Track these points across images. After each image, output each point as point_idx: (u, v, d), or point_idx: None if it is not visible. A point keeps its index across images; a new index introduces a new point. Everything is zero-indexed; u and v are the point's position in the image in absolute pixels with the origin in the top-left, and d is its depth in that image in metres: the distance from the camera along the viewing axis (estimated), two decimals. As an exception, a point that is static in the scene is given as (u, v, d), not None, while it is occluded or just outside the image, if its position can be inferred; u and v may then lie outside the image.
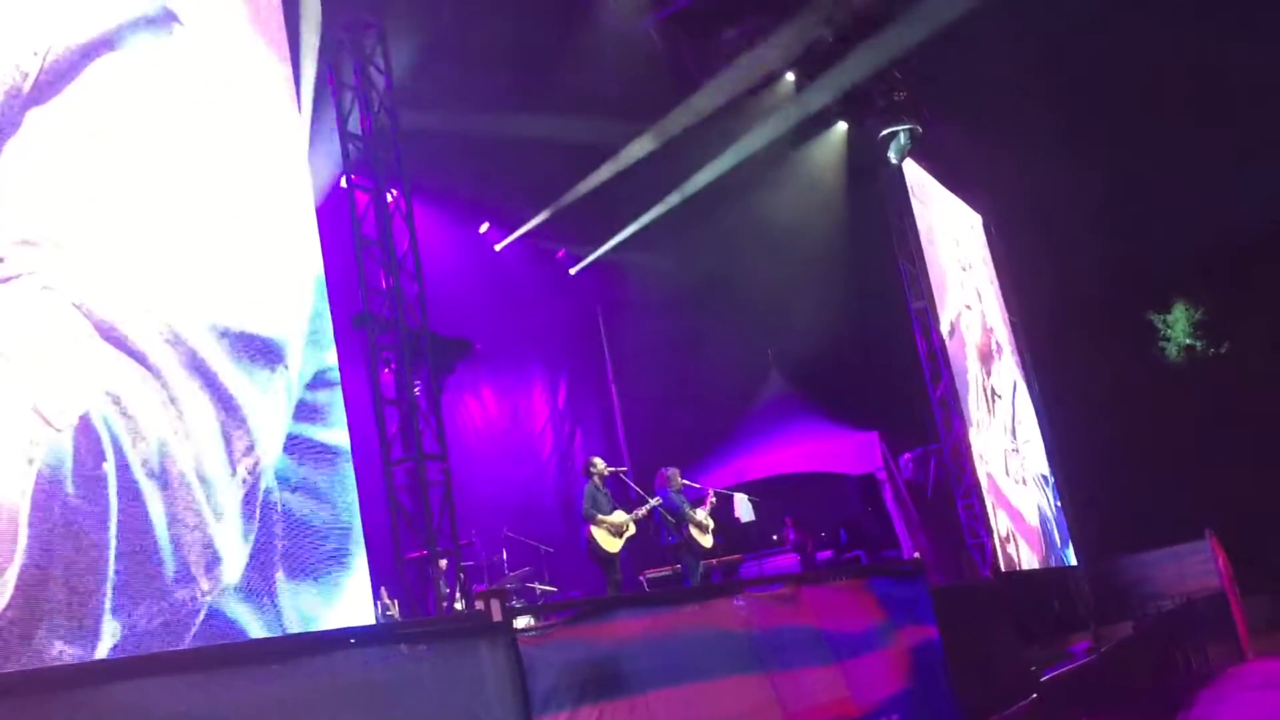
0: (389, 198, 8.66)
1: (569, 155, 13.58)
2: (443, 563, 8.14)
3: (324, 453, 6.84)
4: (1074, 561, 16.78)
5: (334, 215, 8.75)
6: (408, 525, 7.98)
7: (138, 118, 6.29)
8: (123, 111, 6.19)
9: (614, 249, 15.70)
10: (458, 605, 8.20)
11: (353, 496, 6.92)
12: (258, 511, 6.12)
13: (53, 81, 5.84)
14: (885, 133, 15.04)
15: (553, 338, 16.38)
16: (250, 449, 6.19)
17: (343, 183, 8.60)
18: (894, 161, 15.13)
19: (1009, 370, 17.52)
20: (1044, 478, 17.30)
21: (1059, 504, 17.32)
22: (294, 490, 6.47)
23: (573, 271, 16.16)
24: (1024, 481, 16.24)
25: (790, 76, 14.30)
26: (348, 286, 8.36)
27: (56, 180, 5.70)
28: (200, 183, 6.57)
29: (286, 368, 6.72)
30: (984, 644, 9.79)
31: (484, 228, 15.29)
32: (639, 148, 13.61)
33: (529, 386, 15.67)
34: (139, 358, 5.73)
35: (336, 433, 7.00)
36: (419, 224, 8.91)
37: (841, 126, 15.30)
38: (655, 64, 12.92)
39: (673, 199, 14.75)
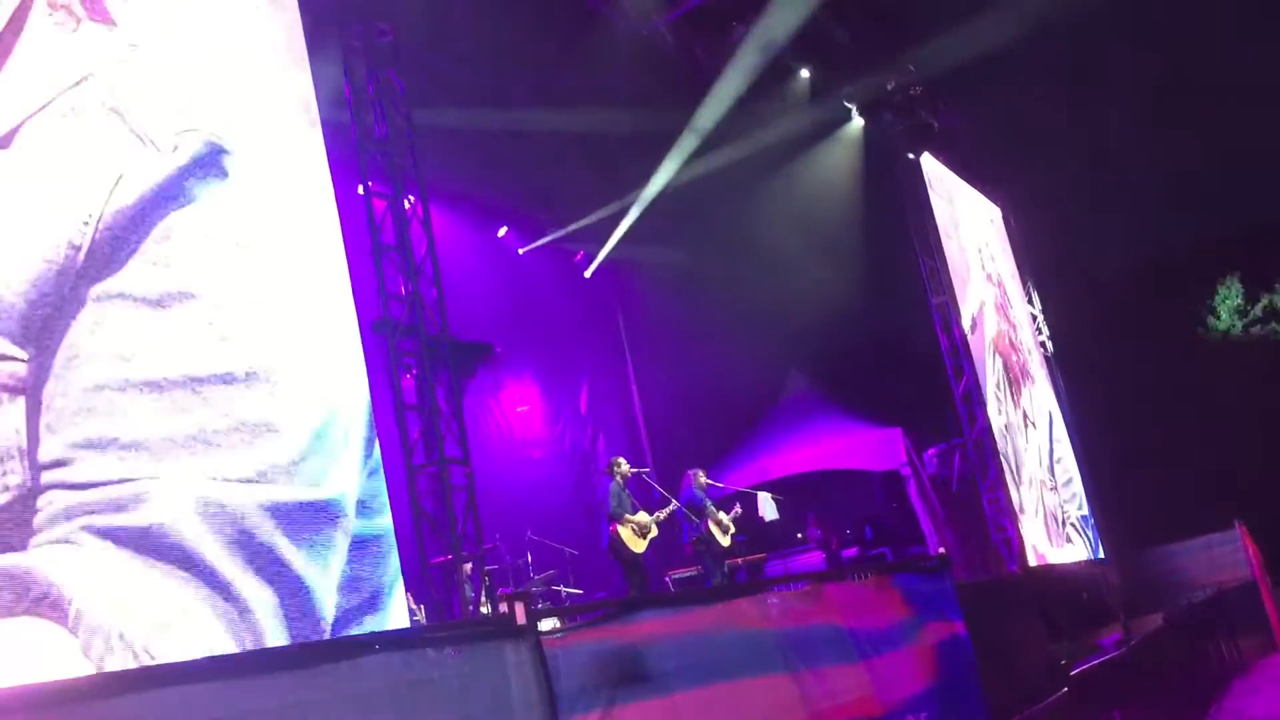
0: (406, 204, 8.68)
1: (588, 157, 13.60)
2: (467, 567, 8.15)
3: (368, 543, 6.53)
4: (1102, 554, 16.66)
5: (352, 221, 8.78)
6: (432, 530, 8.00)
7: (213, 279, 5.95)
8: (194, 274, 5.85)
9: (632, 250, 15.69)
10: (483, 609, 8.22)
11: (394, 568, 6.70)
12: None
13: (112, 251, 5.50)
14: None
15: (573, 340, 16.39)
16: (310, 612, 5.91)
17: (360, 189, 8.62)
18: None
19: (1044, 397, 17.30)
20: (1084, 519, 16.87)
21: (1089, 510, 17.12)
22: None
23: (588, 274, 16.13)
24: (1067, 539, 15.90)
25: (805, 73, 14.27)
26: (367, 292, 8.39)
27: (125, 374, 5.34)
28: (257, 342, 6.16)
29: (345, 515, 6.34)
30: (1012, 639, 9.73)
31: (502, 231, 15.32)
32: (656, 148, 13.63)
33: (550, 389, 15.69)
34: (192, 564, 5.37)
35: (380, 520, 6.67)
36: (436, 229, 8.94)
37: (858, 121, 15.25)
38: (669, 63, 12.91)
39: (690, 198, 14.73)
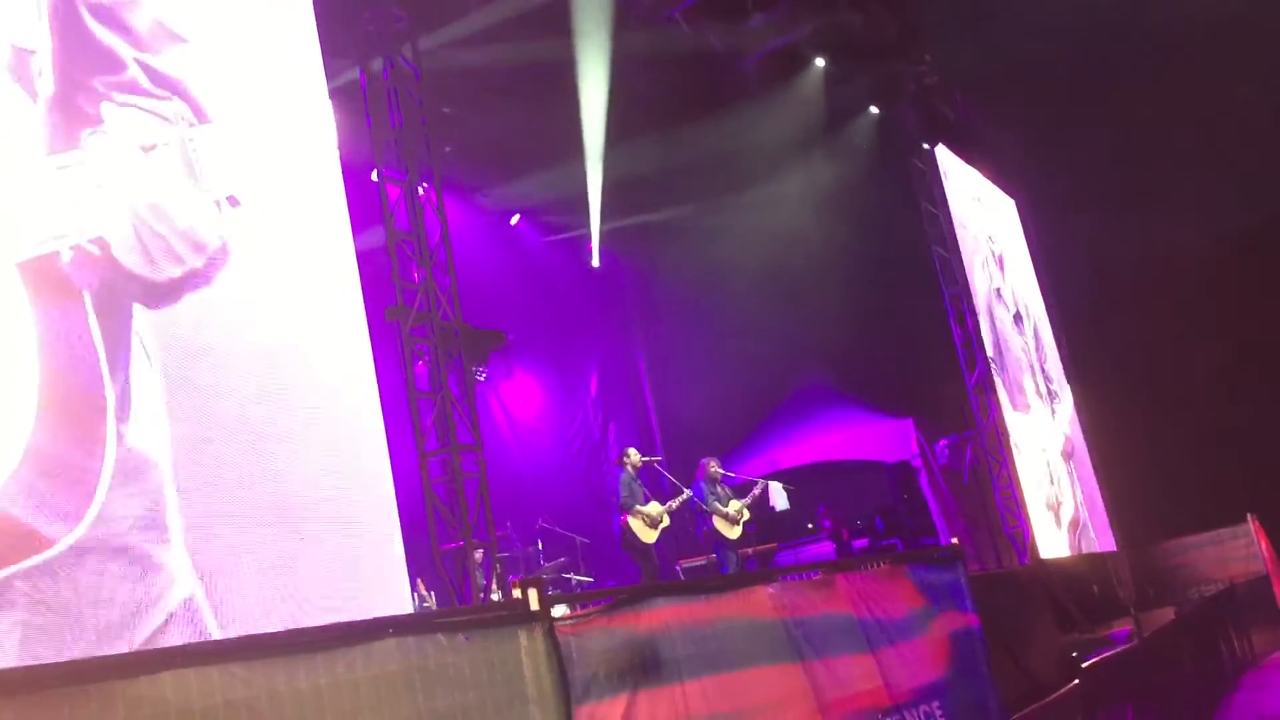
0: (420, 190, 8.67)
1: (598, 145, 13.58)
2: (478, 554, 8.16)
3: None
4: (1114, 546, 16.62)
5: (366, 208, 8.79)
6: (443, 517, 8.01)
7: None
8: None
9: (645, 239, 15.68)
10: (494, 596, 8.23)
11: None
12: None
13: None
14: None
15: (585, 328, 16.40)
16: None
17: (374, 176, 8.63)
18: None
19: (1058, 388, 17.29)
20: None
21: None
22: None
23: (595, 263, 16.06)
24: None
25: (820, 63, 14.23)
26: (380, 279, 8.40)
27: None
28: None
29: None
30: (1023, 631, 9.72)
31: (515, 219, 15.32)
32: (668, 135, 13.60)
33: (562, 376, 15.71)
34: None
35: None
36: (450, 217, 8.93)
37: (873, 112, 15.19)
38: (684, 52, 12.88)
39: (704, 187, 14.72)
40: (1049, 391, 16.66)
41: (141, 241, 5.50)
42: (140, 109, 5.78)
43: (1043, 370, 16.74)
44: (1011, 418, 14.39)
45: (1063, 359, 17.84)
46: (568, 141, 13.34)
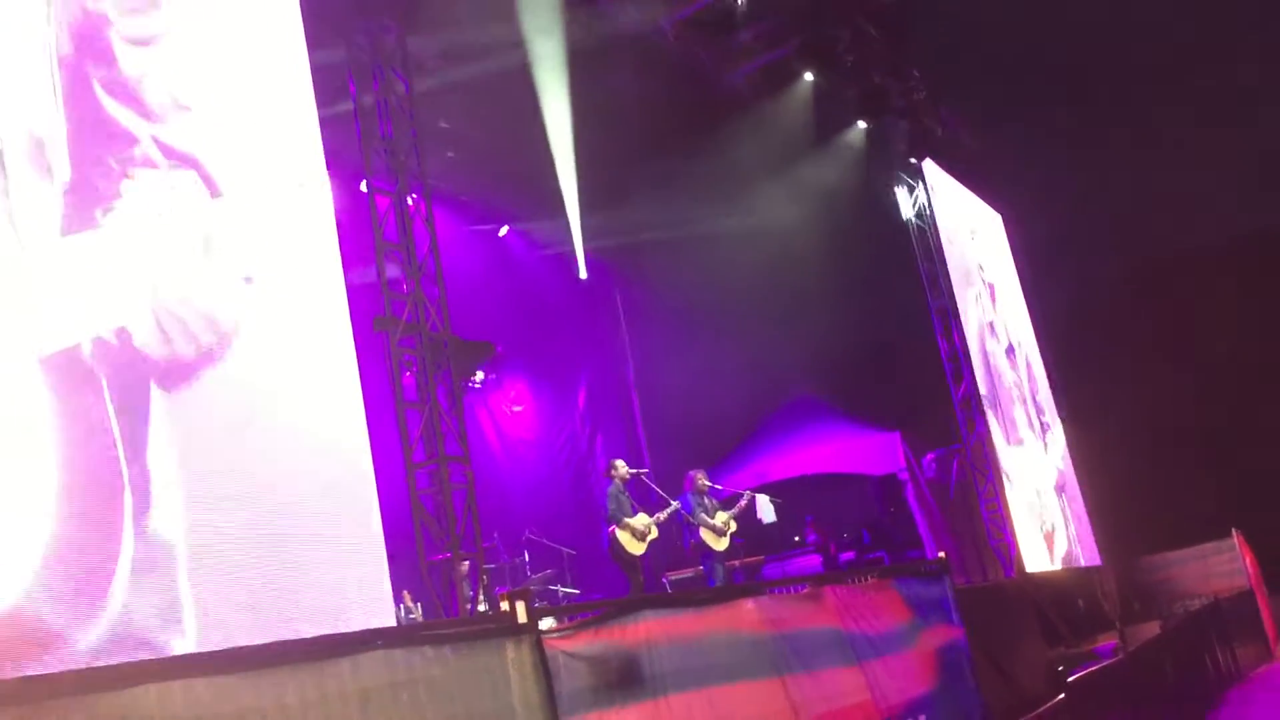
0: (409, 201, 8.67)
1: (587, 157, 13.59)
2: (464, 566, 8.14)
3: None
4: (1099, 560, 16.67)
5: (354, 219, 8.78)
6: (430, 528, 7.99)
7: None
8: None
9: (633, 251, 15.69)
10: (481, 608, 8.20)
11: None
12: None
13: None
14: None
15: (574, 340, 16.39)
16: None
17: (363, 186, 8.61)
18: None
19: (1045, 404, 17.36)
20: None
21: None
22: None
23: (583, 275, 16.02)
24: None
25: (809, 77, 14.29)
26: (369, 290, 8.39)
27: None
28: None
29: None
30: (1009, 644, 9.74)
31: (503, 231, 15.31)
32: (656, 148, 13.63)
33: (550, 388, 15.69)
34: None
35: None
36: (439, 228, 8.93)
37: (860, 126, 15.26)
38: (673, 65, 12.92)
39: (692, 200, 14.74)
40: (1041, 424, 16.67)
41: (160, 326, 5.47)
42: (154, 184, 5.75)
43: (1034, 401, 16.77)
44: (1005, 452, 14.41)
45: (1049, 376, 17.88)
46: (554, 153, 13.35)
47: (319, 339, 6.61)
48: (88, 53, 5.57)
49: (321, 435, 6.34)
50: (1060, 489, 16.39)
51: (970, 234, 16.22)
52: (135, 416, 5.26)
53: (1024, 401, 16.24)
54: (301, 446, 6.15)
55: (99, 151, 5.50)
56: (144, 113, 5.81)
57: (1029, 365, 17.14)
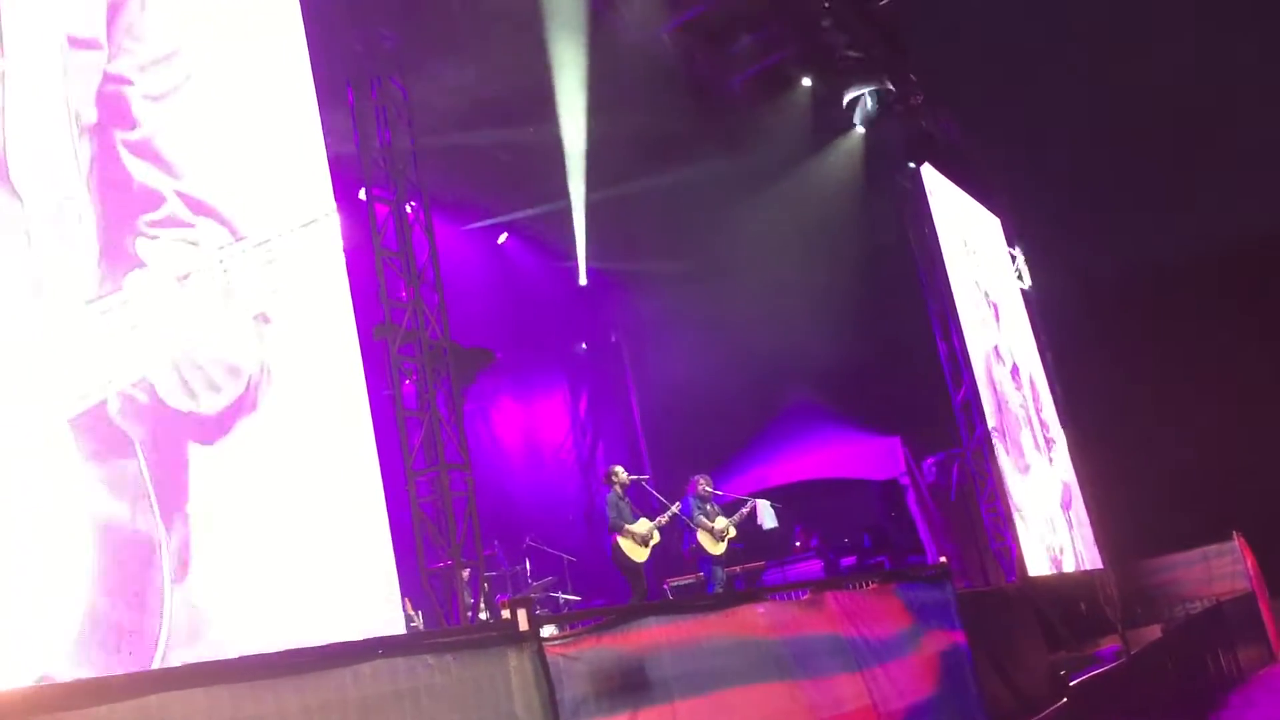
0: (408, 209, 8.67)
1: (585, 164, 13.61)
2: (465, 573, 8.13)
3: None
4: (1101, 564, 16.65)
5: (354, 227, 8.77)
6: (431, 536, 7.98)
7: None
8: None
9: (633, 258, 15.70)
10: (482, 615, 8.19)
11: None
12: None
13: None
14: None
15: (573, 346, 16.39)
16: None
17: (362, 195, 8.62)
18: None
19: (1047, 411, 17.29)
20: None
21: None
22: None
23: (583, 282, 16.02)
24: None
25: (806, 82, 14.30)
26: (368, 298, 8.39)
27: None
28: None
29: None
30: (1011, 649, 9.73)
31: (503, 238, 15.32)
32: (654, 154, 13.64)
33: (550, 395, 15.70)
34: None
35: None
36: (438, 235, 8.93)
37: (859, 130, 15.26)
38: (671, 72, 12.93)
39: (691, 207, 14.75)
40: (1046, 440, 16.63)
41: (182, 377, 5.45)
42: (179, 240, 5.74)
43: (1039, 419, 16.72)
44: (1017, 486, 14.37)
45: (1050, 383, 17.86)
46: (553, 160, 13.36)
47: (334, 370, 6.65)
48: (111, 116, 5.55)
49: (338, 461, 6.41)
50: (1066, 505, 16.36)
51: (967, 245, 16.16)
52: (172, 476, 5.25)
53: (1029, 422, 16.18)
54: (321, 475, 6.21)
55: (127, 215, 5.49)
56: (166, 169, 5.80)
57: (1033, 383, 17.08)
